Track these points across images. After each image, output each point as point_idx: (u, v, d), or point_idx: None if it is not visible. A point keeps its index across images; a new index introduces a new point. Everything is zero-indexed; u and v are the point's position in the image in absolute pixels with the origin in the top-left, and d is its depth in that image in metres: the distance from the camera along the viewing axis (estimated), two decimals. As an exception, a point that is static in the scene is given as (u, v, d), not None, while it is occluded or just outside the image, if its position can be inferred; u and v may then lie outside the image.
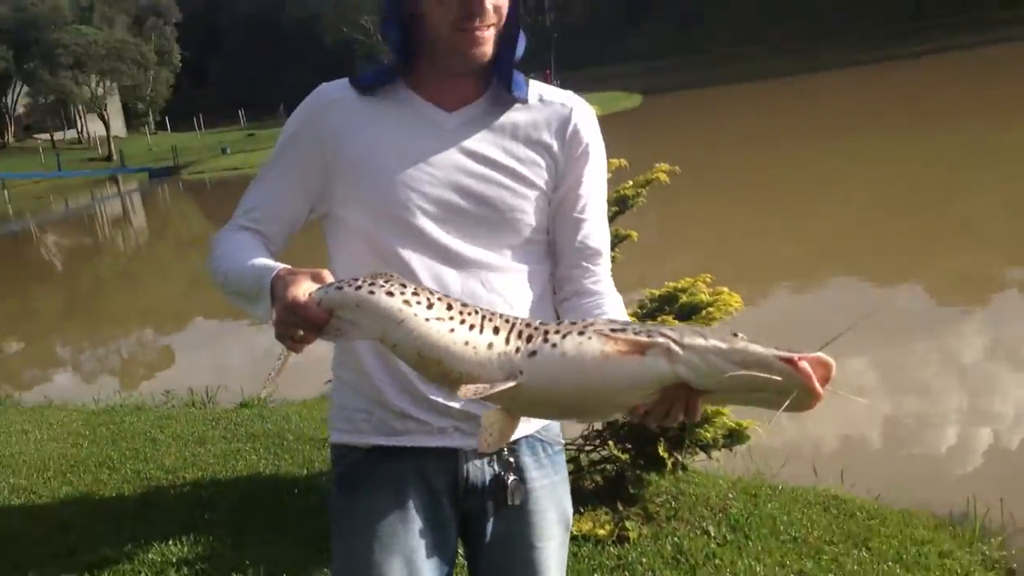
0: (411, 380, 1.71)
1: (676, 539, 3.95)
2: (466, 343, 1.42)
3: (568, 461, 4.41)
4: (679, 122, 37.03)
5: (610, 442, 4.21)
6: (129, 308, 14.90)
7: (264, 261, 1.63)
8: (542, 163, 1.75)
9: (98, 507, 4.87)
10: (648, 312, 4.14)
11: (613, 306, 1.76)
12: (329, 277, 1.51)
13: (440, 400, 1.71)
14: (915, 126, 23.79)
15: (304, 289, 1.48)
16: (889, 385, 6.73)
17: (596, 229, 1.80)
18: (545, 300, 1.82)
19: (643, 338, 1.37)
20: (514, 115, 1.76)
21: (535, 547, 1.80)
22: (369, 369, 1.74)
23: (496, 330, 1.44)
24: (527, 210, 1.74)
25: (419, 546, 1.73)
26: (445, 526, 1.77)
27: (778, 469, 4.87)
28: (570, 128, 1.77)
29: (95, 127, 66.30)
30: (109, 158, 57.75)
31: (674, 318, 3.95)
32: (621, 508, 4.18)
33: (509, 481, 1.76)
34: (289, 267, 1.56)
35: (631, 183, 4.37)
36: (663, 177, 4.32)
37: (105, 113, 63.61)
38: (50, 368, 11.40)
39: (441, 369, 1.44)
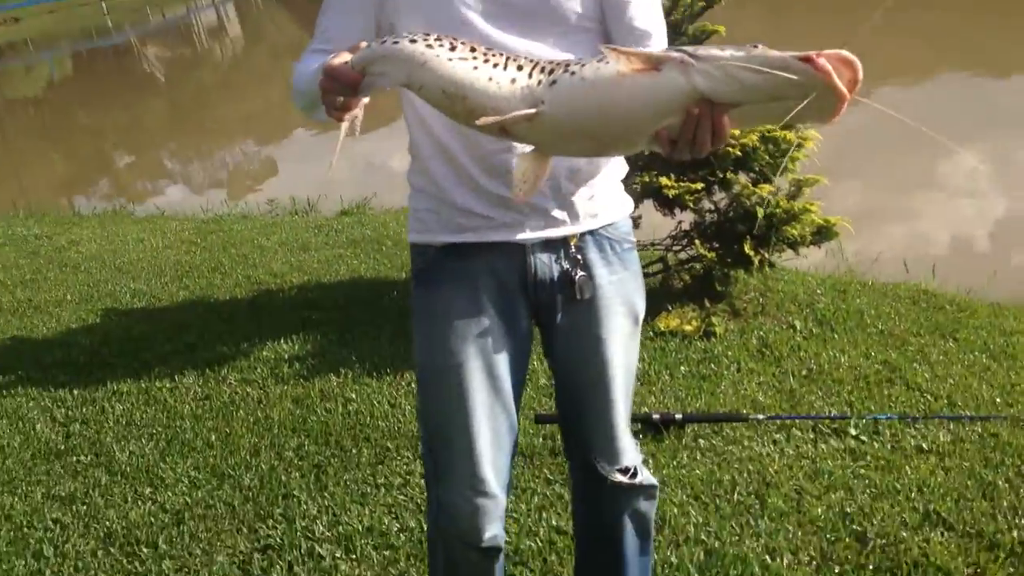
0: (474, 176, 1.78)
1: (762, 333, 4.05)
2: (490, 79, 1.49)
3: (656, 261, 4.55)
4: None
5: (697, 241, 4.26)
6: (231, 119, 15.19)
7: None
8: None
9: (213, 309, 5.18)
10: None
11: None
12: (364, 45, 1.63)
13: (504, 194, 1.77)
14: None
15: (340, 59, 1.61)
16: (992, 181, 6.56)
17: (642, 10, 1.79)
18: None
19: (658, 52, 1.41)
20: None
21: (601, 339, 1.89)
22: (434, 171, 1.83)
23: (520, 67, 1.50)
24: None
25: (492, 334, 1.84)
26: (517, 317, 1.88)
27: (869, 267, 4.88)
28: None
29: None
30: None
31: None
32: (708, 305, 4.28)
33: (577, 277, 1.84)
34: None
35: (722, -27, 4.26)
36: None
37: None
38: (159, 179, 11.81)
39: (467, 106, 1.50)
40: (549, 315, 1.90)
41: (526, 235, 1.82)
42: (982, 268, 4.77)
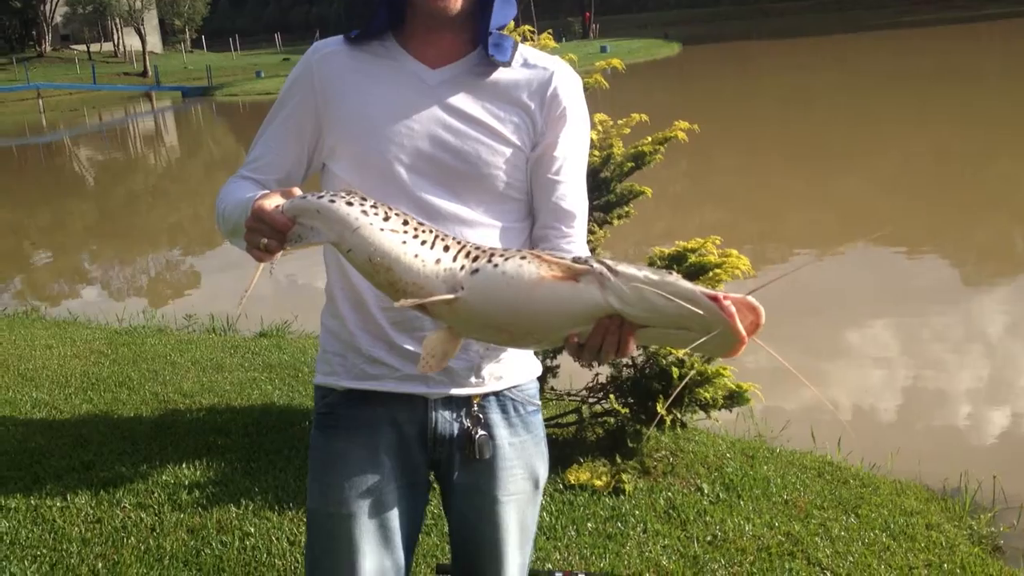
0: (384, 328, 1.79)
1: (670, 494, 4.06)
2: (416, 255, 1.51)
3: (571, 411, 4.56)
4: (715, 73, 36.68)
5: (612, 395, 4.30)
6: (158, 227, 15.07)
7: (253, 194, 1.70)
8: (520, 122, 1.79)
9: (115, 426, 5.03)
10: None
11: None
12: (298, 192, 1.62)
13: (410, 348, 1.78)
14: (949, 93, 23.48)
15: (272, 202, 1.59)
16: (900, 356, 6.78)
17: (571, 191, 1.83)
18: None
19: (578, 265, 1.45)
20: (496, 76, 1.80)
21: (498, 500, 1.88)
22: (346, 316, 1.84)
23: (446, 248, 1.53)
24: (501, 166, 1.78)
25: (387, 485, 1.83)
26: (414, 469, 1.87)
27: (778, 432, 4.96)
28: (550, 90, 1.81)
29: (131, 41, 66.21)
30: (144, 74, 57.71)
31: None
32: (619, 461, 4.28)
33: (477, 436, 1.83)
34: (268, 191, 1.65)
35: (649, 139, 4.40)
36: (681, 135, 4.35)
37: (142, 28, 63.47)
38: (76, 283, 11.58)
39: (390, 277, 1.52)
40: (447, 471, 1.89)
41: (430, 390, 1.82)
42: (887, 441, 4.88)
